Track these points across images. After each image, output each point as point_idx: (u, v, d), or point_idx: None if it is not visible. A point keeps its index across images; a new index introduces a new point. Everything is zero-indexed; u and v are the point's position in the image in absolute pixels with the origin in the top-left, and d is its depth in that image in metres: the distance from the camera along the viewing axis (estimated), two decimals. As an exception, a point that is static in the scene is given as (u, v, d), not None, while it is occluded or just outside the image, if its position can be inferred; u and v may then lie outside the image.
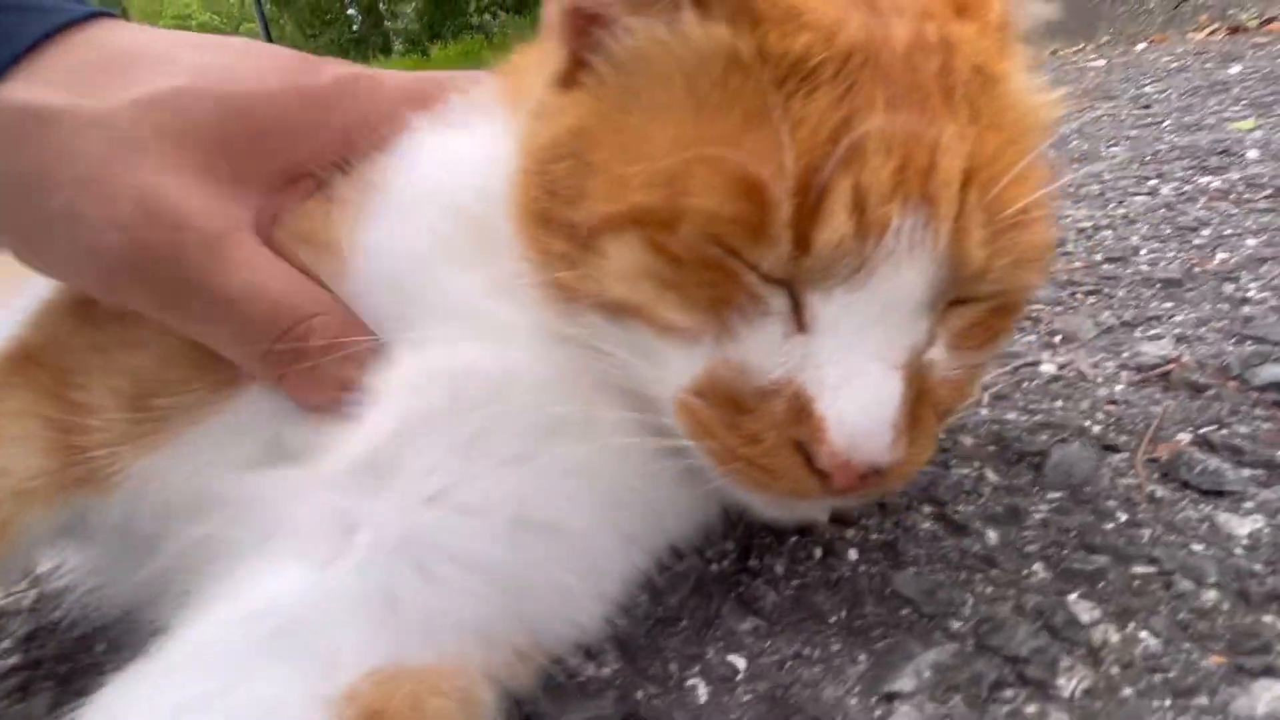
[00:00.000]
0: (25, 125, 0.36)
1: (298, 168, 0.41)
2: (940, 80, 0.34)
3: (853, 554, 0.47)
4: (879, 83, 0.33)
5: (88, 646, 0.53)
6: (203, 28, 27.98)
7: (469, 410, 0.38)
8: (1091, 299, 0.79)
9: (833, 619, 0.43)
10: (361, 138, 0.41)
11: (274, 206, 0.40)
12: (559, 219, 0.36)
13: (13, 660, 0.53)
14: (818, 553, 0.47)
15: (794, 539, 0.49)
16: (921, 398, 0.35)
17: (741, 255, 0.32)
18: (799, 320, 0.33)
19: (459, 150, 0.42)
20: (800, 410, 0.33)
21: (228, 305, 0.37)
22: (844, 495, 0.35)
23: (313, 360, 0.37)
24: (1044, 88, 0.40)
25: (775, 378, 0.33)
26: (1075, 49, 3.29)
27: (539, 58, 0.43)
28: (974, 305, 0.36)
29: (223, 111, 0.38)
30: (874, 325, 0.33)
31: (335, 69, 0.42)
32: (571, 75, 0.37)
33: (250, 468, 0.40)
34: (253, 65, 0.40)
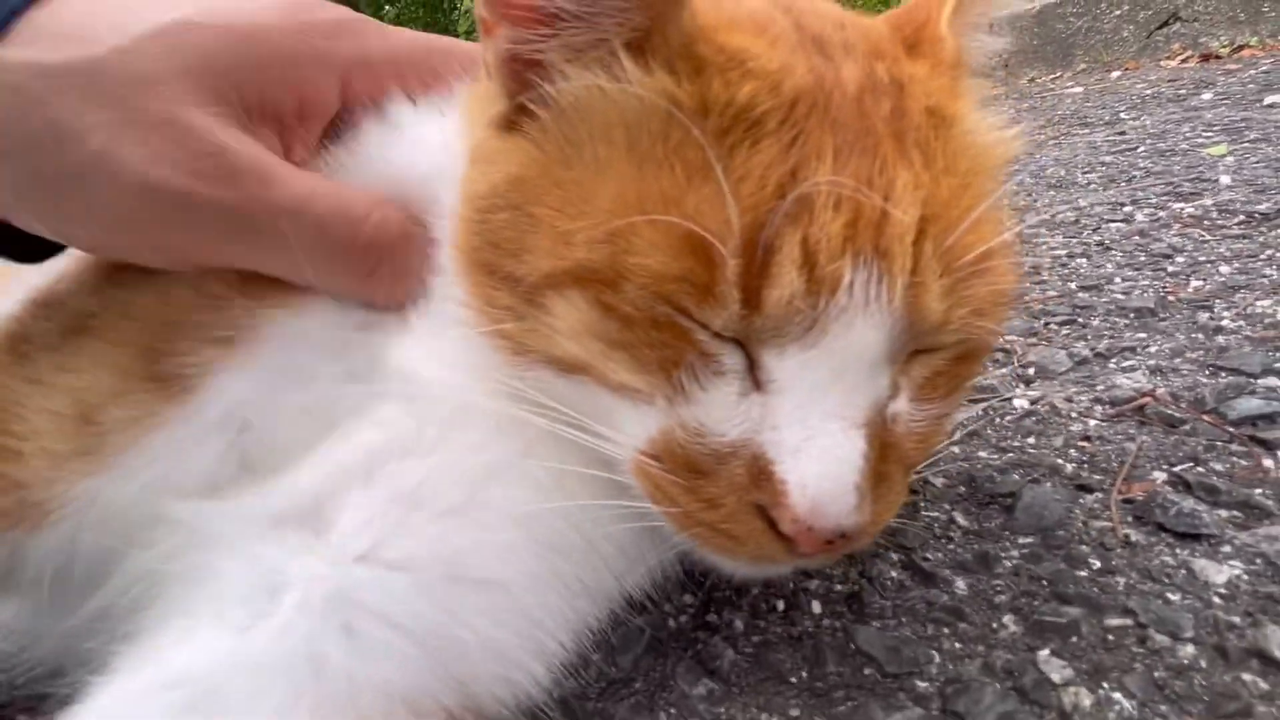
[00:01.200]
0: (36, 83, 0.34)
1: (303, 102, 0.39)
2: (892, 124, 0.33)
3: (816, 606, 0.44)
4: (828, 130, 0.31)
5: (7, 716, 0.50)
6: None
7: (413, 452, 0.36)
8: (1065, 329, 0.77)
9: (793, 679, 0.40)
10: (360, 79, 0.41)
11: (288, 140, 0.39)
12: (501, 271, 0.34)
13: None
14: (780, 605, 0.45)
15: (754, 590, 0.46)
16: (886, 452, 0.33)
17: (691, 314, 0.31)
18: (755, 379, 0.32)
19: (430, 146, 0.40)
20: (760, 473, 0.31)
21: (294, 215, 0.36)
22: (810, 558, 0.33)
23: (388, 257, 0.37)
24: (1000, 125, 0.38)
25: (732, 439, 0.32)
26: (1053, 76, 3.35)
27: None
28: (936, 354, 0.35)
29: (229, 41, 0.37)
30: (832, 383, 0.31)
31: (338, 10, 0.41)
32: (511, 120, 0.35)
33: (194, 493, 0.37)
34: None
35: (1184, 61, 2.84)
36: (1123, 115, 2.04)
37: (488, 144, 0.36)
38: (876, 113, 0.33)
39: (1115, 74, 3.01)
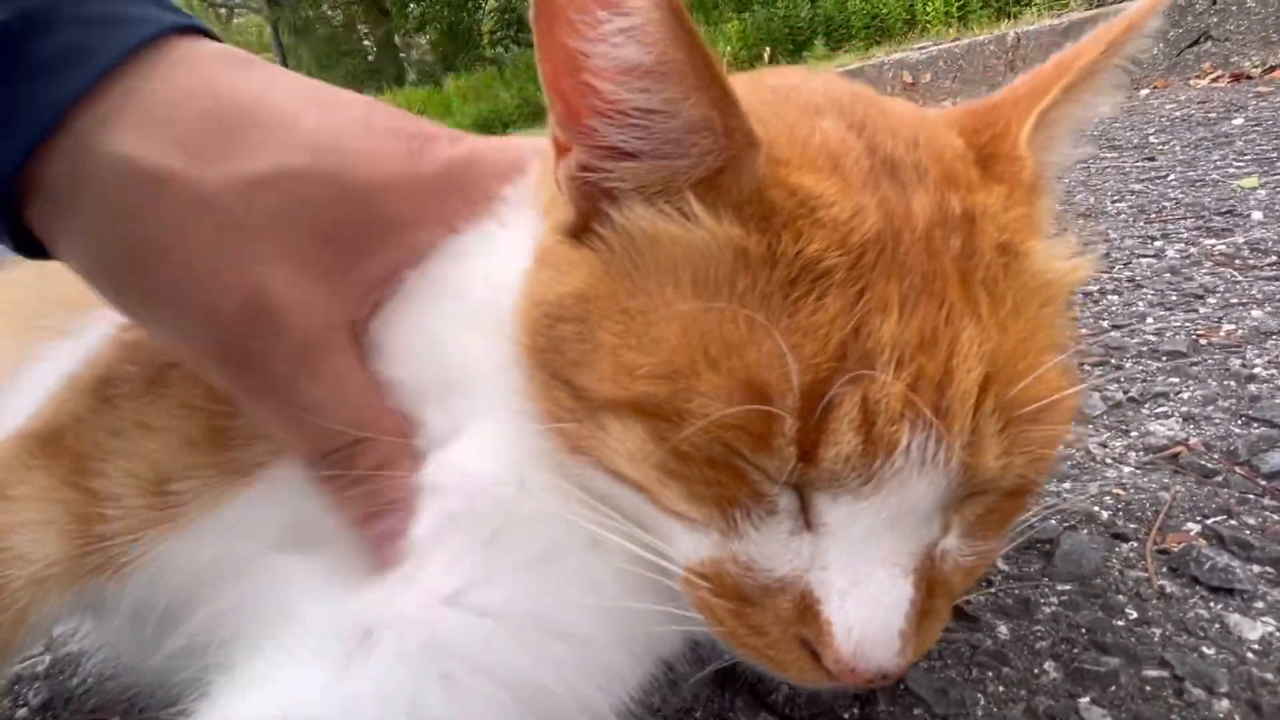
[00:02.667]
0: (136, 190, 0.34)
1: (400, 263, 0.40)
2: (960, 263, 0.32)
3: (864, 645, 0.47)
4: (894, 277, 0.31)
5: (104, 718, 0.53)
6: (221, 56, 28.51)
7: (487, 512, 0.39)
8: (1098, 370, 0.79)
9: (845, 716, 0.43)
10: (462, 224, 0.41)
11: (374, 298, 0.39)
12: (563, 376, 0.35)
13: (30, 732, 0.54)
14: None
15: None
16: (934, 590, 0.34)
17: (747, 459, 0.31)
18: (806, 519, 0.33)
19: (499, 253, 0.41)
20: (806, 610, 0.32)
21: (300, 413, 0.37)
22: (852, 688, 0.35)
23: (358, 479, 0.37)
24: (1070, 251, 0.38)
25: (781, 575, 0.33)
26: (1079, 93, 3.34)
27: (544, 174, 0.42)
28: (988, 496, 0.35)
29: (337, 200, 0.37)
30: (883, 532, 0.32)
31: (447, 150, 0.41)
32: (580, 230, 0.36)
33: (270, 551, 0.40)
34: (370, 146, 0.39)
35: (1214, 81, 2.83)
36: (1152, 139, 2.04)
37: (557, 250, 0.36)
38: (945, 252, 0.32)
39: (1144, 92, 3.00)
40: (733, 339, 0.30)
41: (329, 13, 16.15)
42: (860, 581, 0.32)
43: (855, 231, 0.31)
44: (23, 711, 0.56)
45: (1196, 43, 3.09)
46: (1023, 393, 0.31)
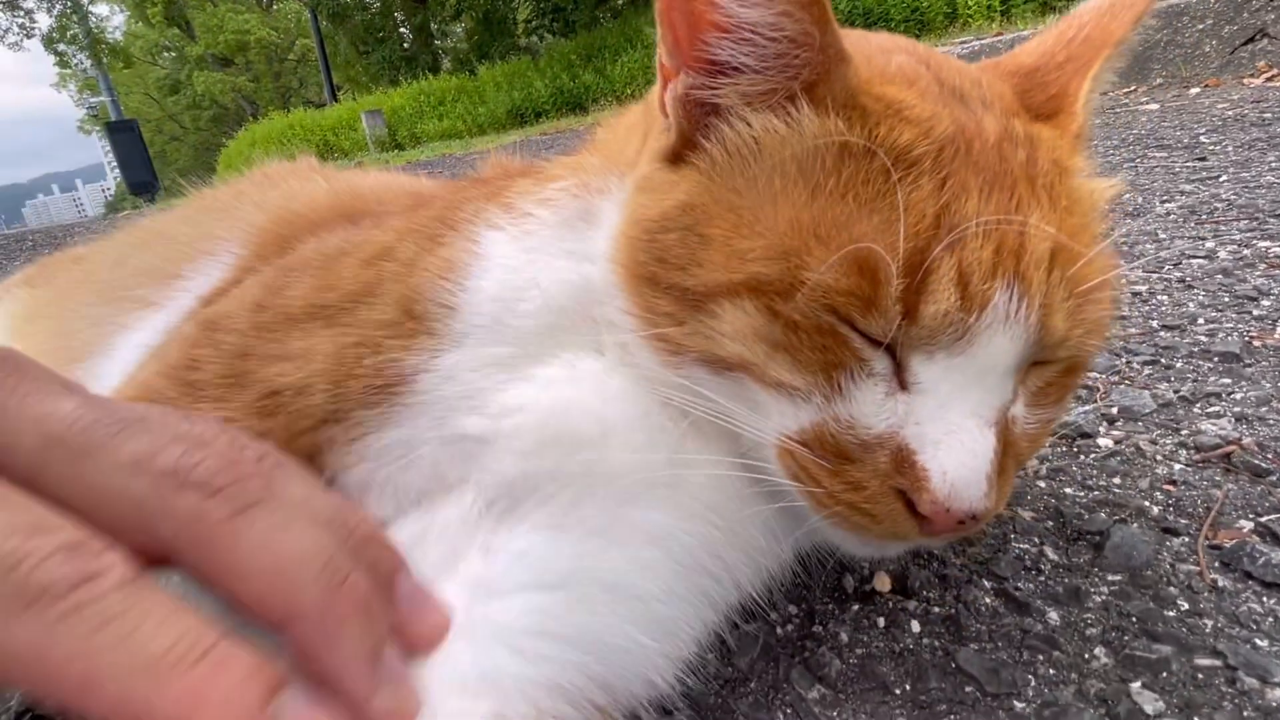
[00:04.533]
0: None
1: None
2: (1026, 170, 0.38)
3: (915, 626, 0.49)
4: (971, 171, 0.37)
5: None
6: (261, 42, 29.00)
7: (565, 480, 0.41)
8: (1148, 370, 0.79)
9: (897, 691, 0.44)
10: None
11: None
12: (666, 282, 0.39)
13: None
14: (880, 622, 0.49)
15: (856, 607, 0.51)
16: (1007, 450, 0.39)
17: (854, 323, 0.36)
18: (900, 380, 0.37)
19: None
20: (903, 462, 0.37)
21: None
22: (939, 538, 0.39)
23: None
24: (1098, 175, 0.45)
25: (878, 432, 0.37)
26: (1126, 90, 3.27)
27: (625, 133, 0.48)
28: (1050, 366, 0.40)
29: None
30: (971, 386, 0.37)
31: None
32: (681, 153, 0.41)
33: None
34: None
35: (1269, 80, 2.75)
36: (1203, 139, 2.00)
37: (655, 176, 0.42)
38: (1014, 159, 0.38)
39: (1194, 91, 2.93)
40: (840, 217, 0.35)
41: (367, 0, 16.29)
42: (952, 431, 0.36)
43: (936, 129, 0.37)
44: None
45: (1251, 40, 3.00)
46: (1082, 269, 0.37)
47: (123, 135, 12.07)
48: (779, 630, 0.50)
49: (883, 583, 0.52)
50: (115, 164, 13.62)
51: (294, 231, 0.59)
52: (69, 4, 28.54)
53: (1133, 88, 3.30)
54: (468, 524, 0.42)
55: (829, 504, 0.38)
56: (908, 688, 0.44)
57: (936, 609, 0.50)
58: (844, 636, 0.48)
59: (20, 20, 30.77)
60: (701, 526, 0.43)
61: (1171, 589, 0.49)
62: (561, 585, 0.40)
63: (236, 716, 0.25)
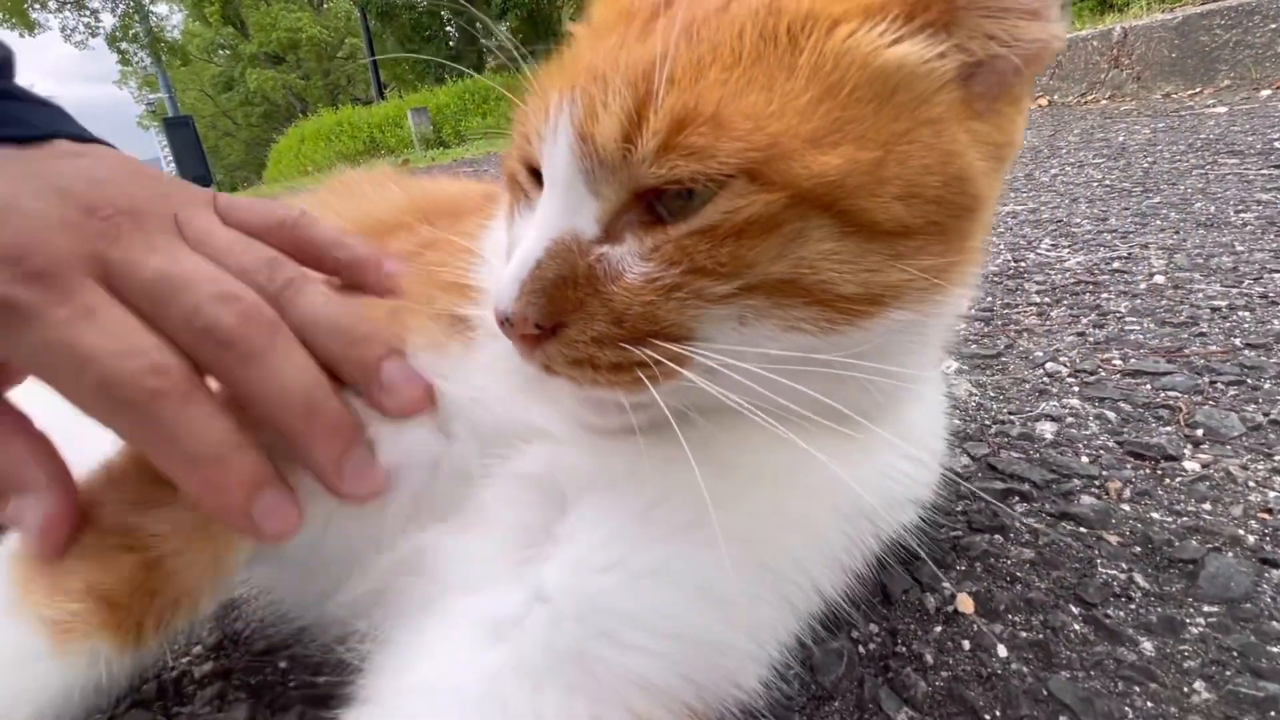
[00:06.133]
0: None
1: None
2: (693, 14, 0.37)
3: (1002, 650, 0.48)
4: (635, 23, 0.39)
5: (271, 661, 0.58)
6: (312, 40, 29.69)
7: (646, 478, 0.42)
8: (1233, 390, 0.77)
9: (987, 717, 0.44)
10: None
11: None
12: None
13: (207, 667, 0.59)
14: (965, 645, 0.49)
15: (939, 628, 0.50)
16: (578, 281, 0.36)
17: (526, 161, 0.42)
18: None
19: None
20: None
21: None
22: (526, 358, 0.39)
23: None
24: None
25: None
26: (1192, 92, 3.16)
27: None
28: (669, 225, 0.35)
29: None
30: (544, 201, 0.38)
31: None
32: None
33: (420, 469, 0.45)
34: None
35: (1348, 83, 2.63)
36: (1277, 144, 1.93)
37: None
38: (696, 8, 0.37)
39: (1265, 93, 2.82)
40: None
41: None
42: (522, 241, 0.38)
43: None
44: (198, 649, 0.62)
45: (1329, 41, 2.87)
46: (679, 99, 0.34)
47: (179, 130, 12.48)
48: (861, 648, 0.50)
49: (966, 605, 0.52)
50: (171, 158, 14.08)
51: (378, 235, 0.61)
52: (131, 3, 29.60)
53: (1198, 89, 3.18)
54: (553, 490, 0.43)
55: None
56: (998, 713, 0.44)
57: (1024, 633, 0.49)
58: (929, 658, 0.48)
59: (86, 20, 32.06)
60: (782, 527, 0.42)
61: (1275, 624, 0.47)
62: (652, 574, 0.40)
63: (232, 501, 0.40)
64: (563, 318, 0.37)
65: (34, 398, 0.44)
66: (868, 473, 0.44)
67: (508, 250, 0.43)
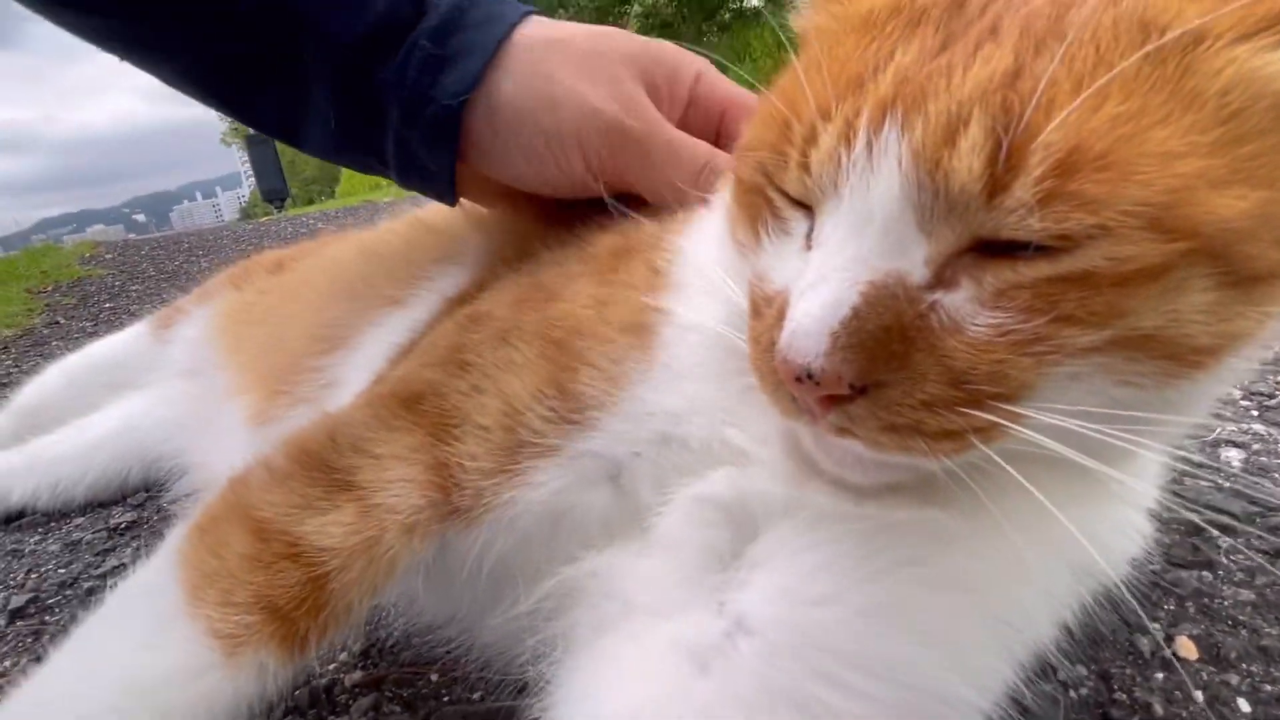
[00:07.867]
0: (541, 51, 0.59)
1: (673, 88, 0.62)
2: (1027, 21, 0.31)
3: (1244, 705, 0.43)
4: (931, 27, 0.33)
5: (423, 674, 0.57)
6: (381, 59, 30.85)
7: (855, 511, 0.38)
8: None
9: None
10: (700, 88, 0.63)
11: (662, 109, 0.60)
12: None
13: (357, 675, 0.58)
14: (1199, 696, 0.44)
15: (1160, 675, 0.45)
16: (905, 333, 0.31)
17: (772, 179, 0.36)
18: (809, 241, 0.35)
19: None
20: (781, 313, 0.33)
21: (668, 147, 0.57)
22: (805, 413, 0.33)
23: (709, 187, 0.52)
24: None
25: (779, 287, 0.35)
26: None
27: None
28: (1024, 265, 0.30)
29: (642, 49, 0.61)
30: (850, 240, 0.32)
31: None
32: None
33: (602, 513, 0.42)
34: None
35: None
36: None
37: None
38: (1018, 12, 0.32)
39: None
40: (789, 89, 0.36)
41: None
42: (819, 282, 0.31)
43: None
44: (344, 655, 0.61)
45: None
46: (1040, 124, 0.28)
47: (260, 147, 13.05)
48: (1073, 693, 0.45)
49: (1188, 649, 0.47)
50: (251, 173, 14.79)
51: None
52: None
53: None
54: (742, 515, 0.40)
55: (752, 366, 0.36)
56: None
57: (1267, 686, 0.44)
58: (1158, 709, 0.43)
59: (176, 43, 34.05)
60: (1018, 579, 0.39)
61: None
62: (874, 613, 0.36)
63: None
64: (881, 376, 0.31)
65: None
66: (1106, 529, 0.41)
67: (752, 273, 0.37)
